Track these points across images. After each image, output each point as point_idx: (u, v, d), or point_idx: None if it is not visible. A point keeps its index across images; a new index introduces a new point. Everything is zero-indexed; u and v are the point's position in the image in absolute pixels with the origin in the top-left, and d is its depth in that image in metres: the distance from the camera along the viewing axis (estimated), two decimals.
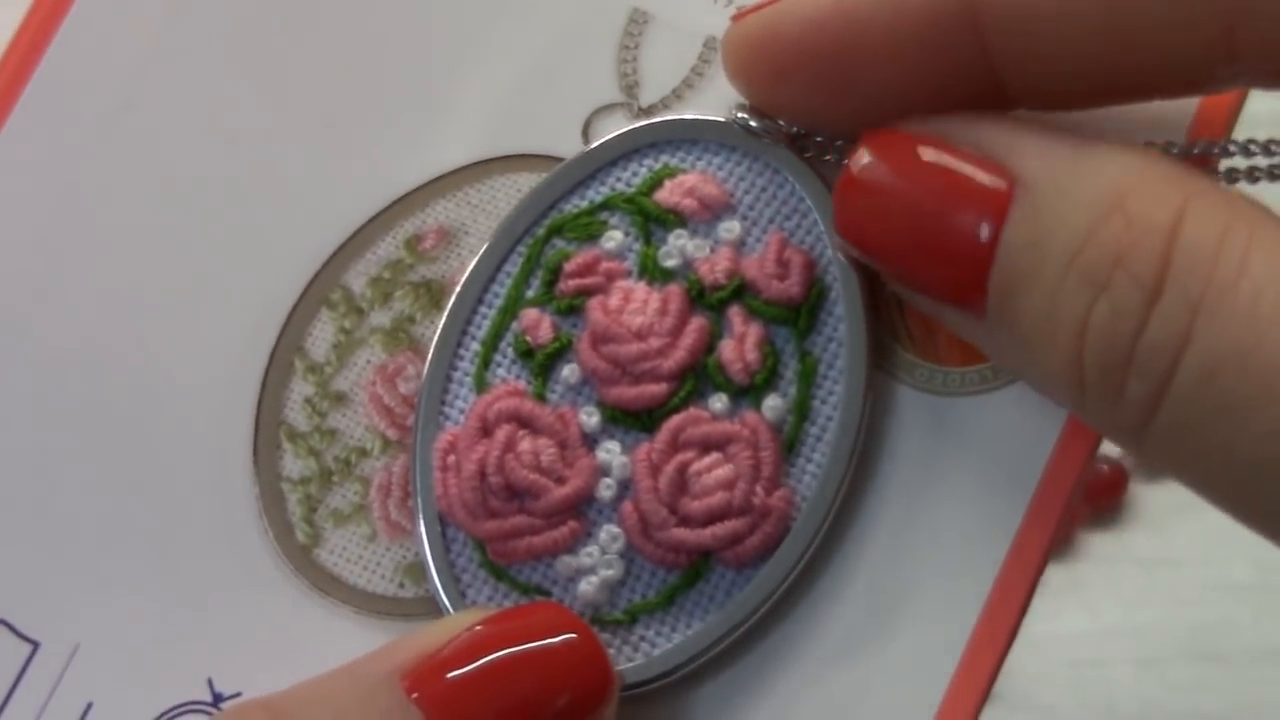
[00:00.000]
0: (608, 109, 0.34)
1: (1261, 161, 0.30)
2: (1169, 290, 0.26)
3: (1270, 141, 0.30)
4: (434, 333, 0.33)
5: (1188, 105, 0.32)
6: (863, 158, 0.30)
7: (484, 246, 0.33)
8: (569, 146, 0.34)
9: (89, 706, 0.33)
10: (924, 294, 0.30)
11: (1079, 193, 0.27)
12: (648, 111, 0.34)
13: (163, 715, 0.32)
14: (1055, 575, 0.58)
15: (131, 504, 0.33)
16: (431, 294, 0.34)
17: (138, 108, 0.35)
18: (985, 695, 0.30)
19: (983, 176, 0.28)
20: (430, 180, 0.35)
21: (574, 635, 0.30)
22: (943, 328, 0.32)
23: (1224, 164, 0.30)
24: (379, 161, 0.35)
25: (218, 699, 0.32)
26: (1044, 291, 0.27)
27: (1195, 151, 0.30)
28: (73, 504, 0.33)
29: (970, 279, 0.28)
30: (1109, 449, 0.59)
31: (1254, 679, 0.56)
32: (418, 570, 0.33)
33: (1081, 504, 0.59)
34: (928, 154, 0.29)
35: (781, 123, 0.32)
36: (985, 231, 0.28)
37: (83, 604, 0.33)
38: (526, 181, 0.34)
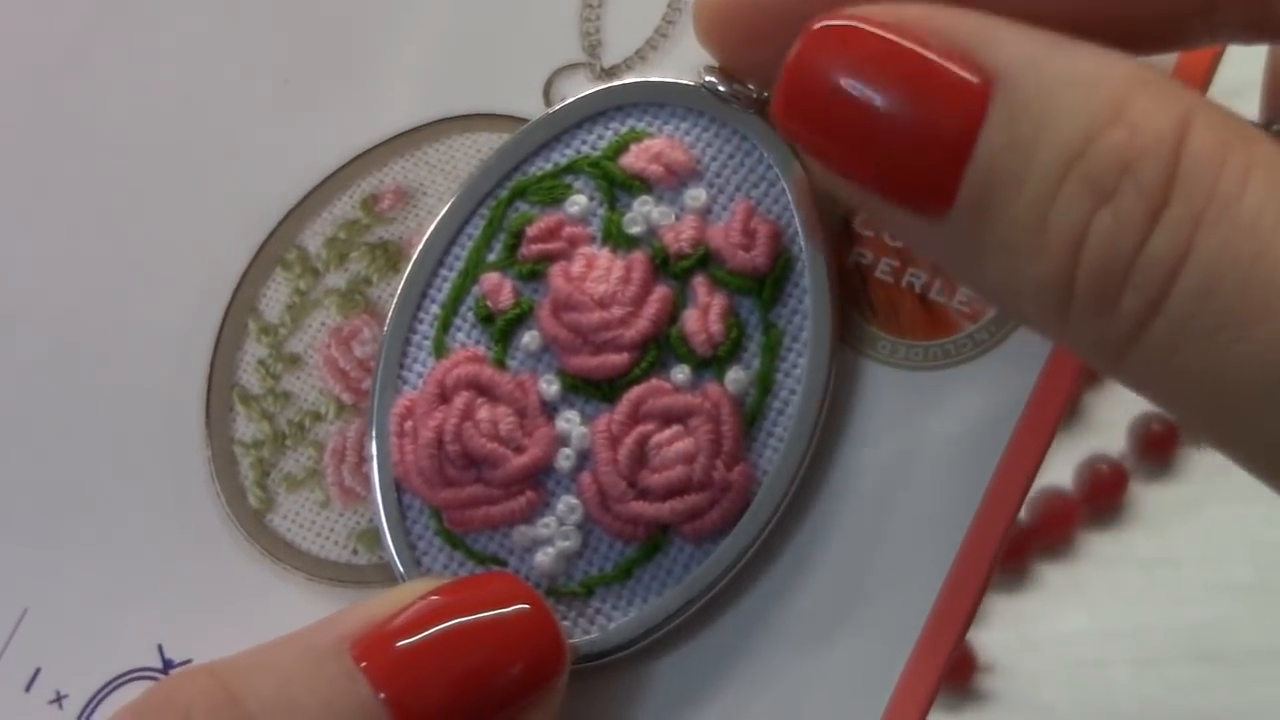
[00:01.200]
0: (569, 69, 0.34)
1: None
2: (1174, 202, 0.26)
3: None
4: (392, 295, 0.33)
5: (1164, 66, 0.32)
6: (814, 41, 0.28)
7: (445, 207, 0.33)
8: (530, 106, 0.34)
9: (37, 671, 0.33)
10: (872, 192, 0.28)
11: (1072, 96, 0.26)
12: (610, 72, 0.34)
13: (112, 681, 0.33)
14: (1055, 575, 0.59)
15: (80, 466, 0.33)
16: (388, 255, 0.34)
17: (84, 65, 0.35)
18: (944, 670, 0.31)
19: (956, 69, 0.27)
20: (387, 139, 0.35)
21: (526, 606, 0.30)
22: (906, 300, 0.32)
23: None
24: (335, 119, 0.35)
25: (168, 665, 0.33)
26: (1030, 199, 0.26)
27: None
28: (20, 465, 0.34)
29: (937, 182, 0.27)
30: (1108, 447, 0.60)
31: (1254, 679, 0.57)
32: (371, 537, 0.33)
33: (1081, 504, 0.60)
34: (892, 42, 0.27)
35: (751, 87, 0.32)
36: (957, 135, 0.27)
37: (31, 568, 0.33)
38: (486, 141, 0.34)
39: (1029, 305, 0.27)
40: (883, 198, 0.28)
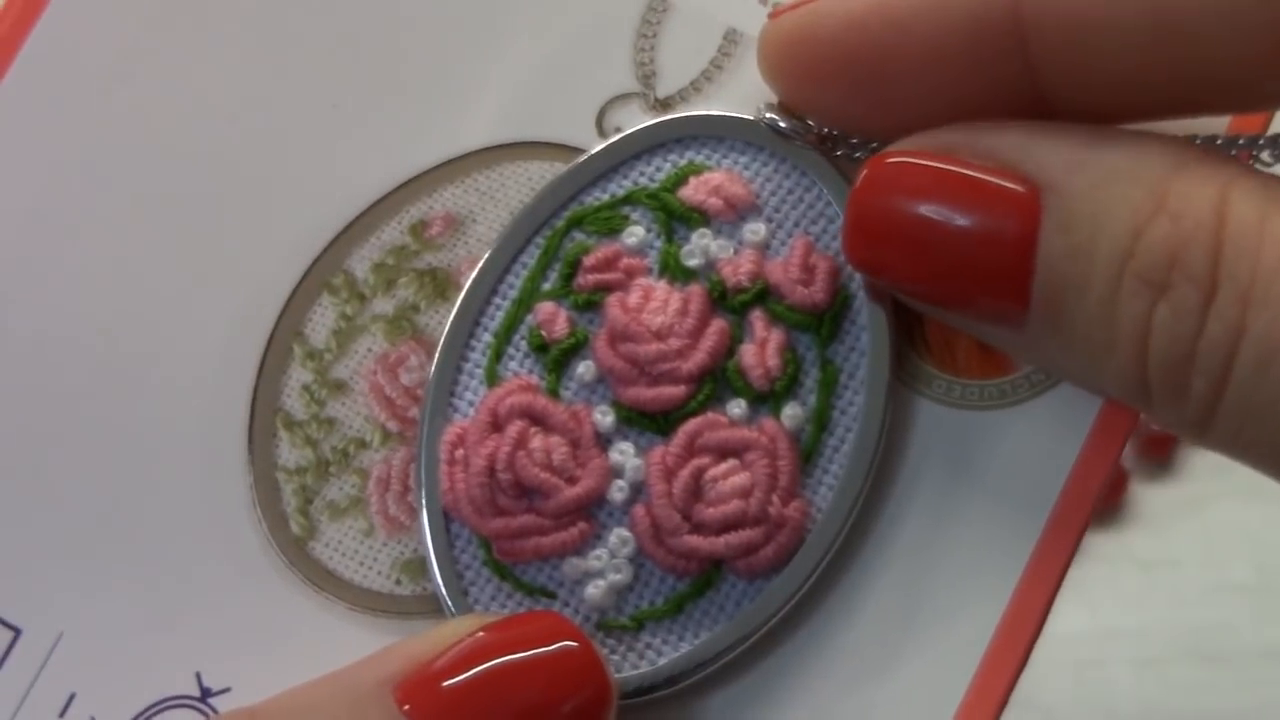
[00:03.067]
0: (623, 99, 0.36)
1: None
2: (1222, 285, 0.28)
3: None
4: (441, 322, 0.34)
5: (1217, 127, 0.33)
6: (871, 180, 0.31)
7: (500, 235, 0.34)
8: (582, 135, 0.35)
9: (71, 698, 0.34)
10: (954, 313, 0.31)
11: (1116, 193, 0.29)
12: (664, 103, 0.35)
13: (148, 709, 0.33)
14: None
15: (120, 490, 0.34)
16: (437, 283, 0.35)
17: (132, 80, 0.36)
18: (998, 713, 0.32)
19: (1006, 187, 0.29)
20: (438, 164, 0.36)
21: (574, 644, 0.31)
22: (962, 339, 0.33)
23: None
24: (386, 143, 0.36)
25: (205, 694, 0.33)
26: (1097, 299, 0.29)
27: (1233, 154, 0.32)
28: (59, 488, 0.34)
29: (1008, 295, 0.30)
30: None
31: (1254, 679, 0.59)
32: (415, 567, 0.34)
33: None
34: (943, 170, 0.30)
35: (811, 123, 0.33)
36: (1018, 246, 0.29)
37: (67, 591, 0.34)
38: (538, 170, 0.36)
39: (1114, 393, 0.30)
40: (964, 314, 0.31)
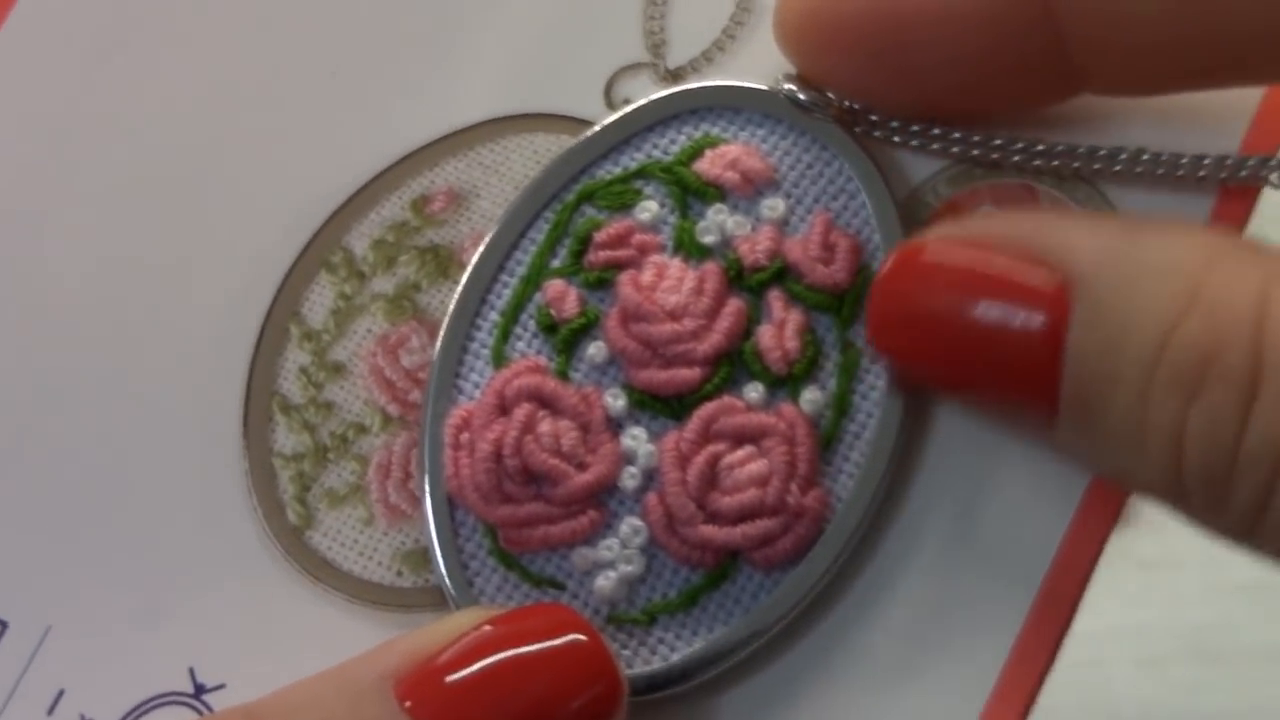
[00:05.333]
0: (632, 69, 0.36)
1: None
2: (1264, 387, 0.27)
3: None
4: (443, 301, 0.35)
5: (1248, 104, 0.34)
6: (896, 274, 0.31)
7: (507, 210, 0.35)
8: (590, 107, 0.36)
9: (60, 694, 0.34)
10: (984, 408, 0.32)
11: (1146, 288, 0.28)
12: (675, 74, 0.36)
13: (141, 705, 0.34)
14: None
15: (110, 477, 0.35)
16: (439, 260, 0.36)
17: (126, 51, 0.37)
18: (1025, 712, 0.32)
19: (1035, 280, 0.29)
20: (440, 138, 0.36)
21: (582, 638, 0.31)
22: None
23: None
24: (386, 115, 0.36)
25: (199, 689, 0.34)
26: (1127, 399, 0.28)
27: (1243, 174, 0.32)
28: (47, 475, 0.35)
29: (1037, 392, 0.30)
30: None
31: (1254, 679, 0.60)
32: (417, 558, 0.34)
33: None
34: (971, 263, 0.30)
35: (832, 95, 0.33)
36: (1047, 340, 0.29)
37: (56, 584, 0.34)
38: (544, 143, 0.36)
39: (1149, 493, 0.30)
40: (990, 405, 0.31)
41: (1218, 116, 0.33)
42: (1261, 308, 0.27)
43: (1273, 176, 0.32)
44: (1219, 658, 0.60)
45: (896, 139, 0.34)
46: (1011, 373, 0.30)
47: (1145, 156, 0.33)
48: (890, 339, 0.32)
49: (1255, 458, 0.27)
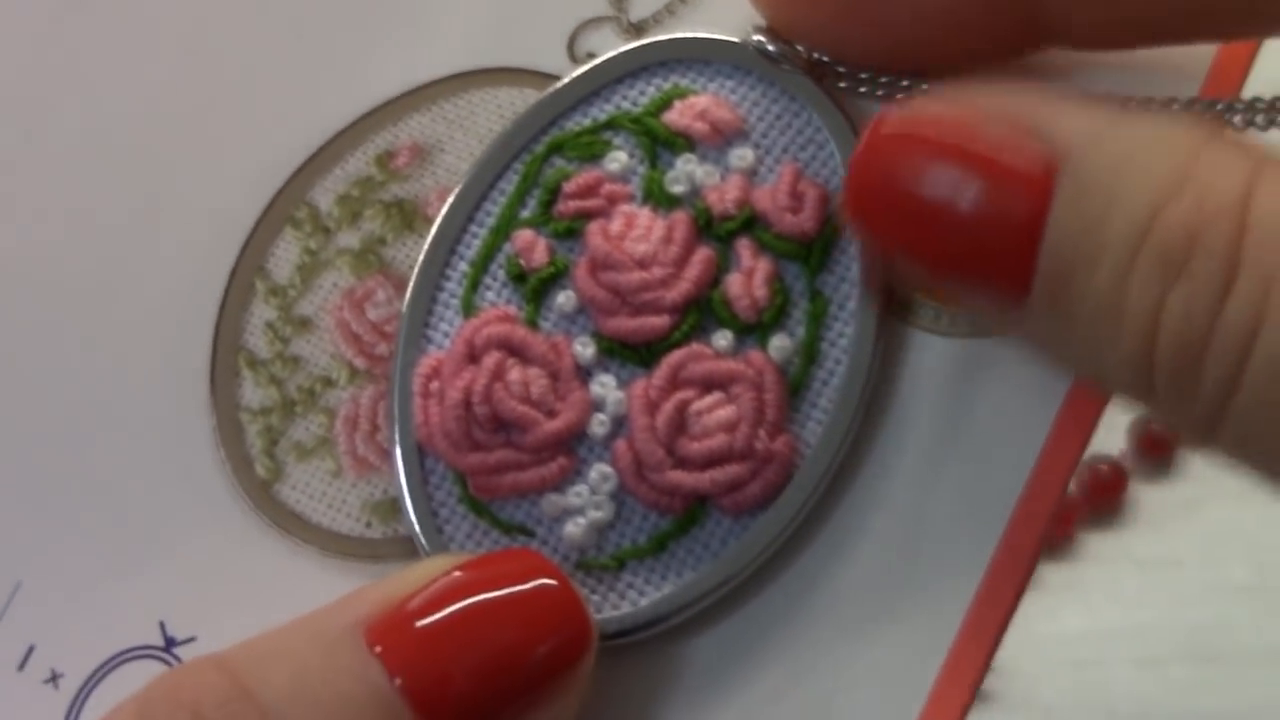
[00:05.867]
0: (595, 23, 0.37)
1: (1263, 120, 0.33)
2: (1244, 269, 0.27)
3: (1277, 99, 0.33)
4: (412, 255, 0.35)
5: (1203, 58, 0.35)
6: (878, 137, 0.31)
7: (476, 161, 0.35)
8: (553, 61, 0.36)
9: (30, 650, 0.34)
10: (949, 280, 0.31)
11: (1136, 168, 0.28)
12: (638, 27, 0.36)
13: (111, 659, 0.34)
14: (1055, 575, 0.63)
15: (77, 434, 0.35)
16: (404, 214, 0.36)
17: (86, 8, 0.37)
18: (992, 649, 0.33)
19: (1020, 153, 0.29)
20: (404, 93, 0.37)
21: (551, 582, 0.32)
22: None
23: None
24: (349, 71, 0.37)
25: (170, 643, 0.34)
26: (1106, 279, 0.28)
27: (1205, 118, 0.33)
28: (13, 433, 0.35)
29: (1011, 268, 0.29)
30: (1108, 447, 0.63)
31: (1254, 679, 0.61)
32: (386, 509, 0.35)
33: (1082, 504, 0.64)
34: (952, 131, 0.30)
35: (800, 49, 0.34)
36: (1027, 217, 0.29)
37: (24, 539, 0.35)
38: (508, 97, 0.36)
39: (1114, 384, 0.30)
40: (960, 285, 0.31)
41: (1177, 66, 0.34)
42: (1248, 191, 0.28)
43: (1235, 119, 0.33)
44: (1219, 658, 0.61)
45: (863, 90, 0.34)
46: (988, 253, 0.30)
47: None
48: (861, 212, 0.31)
49: (1229, 338, 0.27)
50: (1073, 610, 0.62)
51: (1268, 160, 0.28)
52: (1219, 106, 0.33)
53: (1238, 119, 0.32)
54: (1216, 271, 0.27)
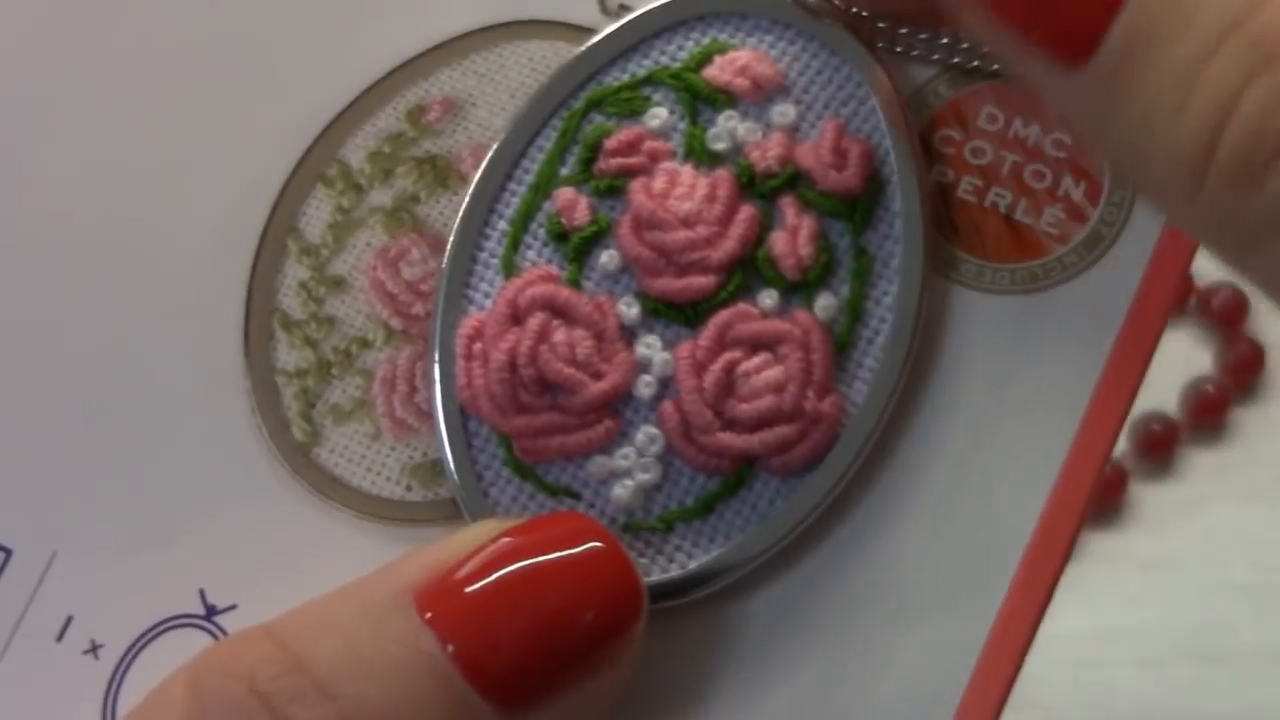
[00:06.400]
0: None
1: None
2: None
3: None
4: (446, 213, 0.35)
5: None
6: None
7: (513, 118, 0.35)
8: (583, 13, 0.36)
9: (69, 620, 0.34)
10: (1016, 33, 0.29)
11: None
12: None
13: (152, 629, 0.34)
14: None
15: (112, 399, 0.35)
16: (437, 171, 0.36)
17: None
18: (1041, 612, 0.33)
19: None
20: (433, 46, 0.36)
21: (600, 544, 0.32)
22: (991, 221, 0.34)
23: None
24: (378, 25, 0.36)
25: (210, 611, 0.34)
26: (1186, 55, 0.27)
27: None
28: (47, 399, 0.35)
29: (1085, 26, 0.28)
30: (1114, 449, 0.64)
31: (1254, 679, 0.62)
32: (425, 471, 0.35)
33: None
34: None
35: (839, 1, 0.34)
36: None
37: (60, 507, 0.35)
38: (539, 50, 0.36)
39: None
40: (1025, 40, 0.29)
41: None
42: None
43: None
44: (1219, 658, 0.62)
45: (900, 48, 0.34)
46: (1064, 6, 0.28)
47: None
48: None
49: None
50: (1073, 610, 0.63)
51: None
52: None
53: None
54: None
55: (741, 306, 0.33)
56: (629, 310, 0.34)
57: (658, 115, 0.34)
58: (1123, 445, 0.65)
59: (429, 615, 0.30)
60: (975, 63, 0.34)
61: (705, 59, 0.34)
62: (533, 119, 0.35)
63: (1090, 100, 0.29)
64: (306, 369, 0.35)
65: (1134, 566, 0.64)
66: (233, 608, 0.34)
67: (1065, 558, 0.33)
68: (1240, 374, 0.66)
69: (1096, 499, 0.34)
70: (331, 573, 0.32)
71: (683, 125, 0.34)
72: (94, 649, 0.34)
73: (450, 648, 0.30)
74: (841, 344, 0.34)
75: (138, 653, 0.34)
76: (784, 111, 0.34)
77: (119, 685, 0.34)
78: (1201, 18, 0.27)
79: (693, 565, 0.33)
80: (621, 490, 0.33)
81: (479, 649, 0.30)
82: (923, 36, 0.34)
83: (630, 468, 0.33)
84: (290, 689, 0.30)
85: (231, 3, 0.36)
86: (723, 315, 0.33)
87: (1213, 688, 0.62)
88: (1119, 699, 0.62)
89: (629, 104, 0.34)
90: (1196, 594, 0.63)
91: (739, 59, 0.34)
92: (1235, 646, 0.62)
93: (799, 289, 0.34)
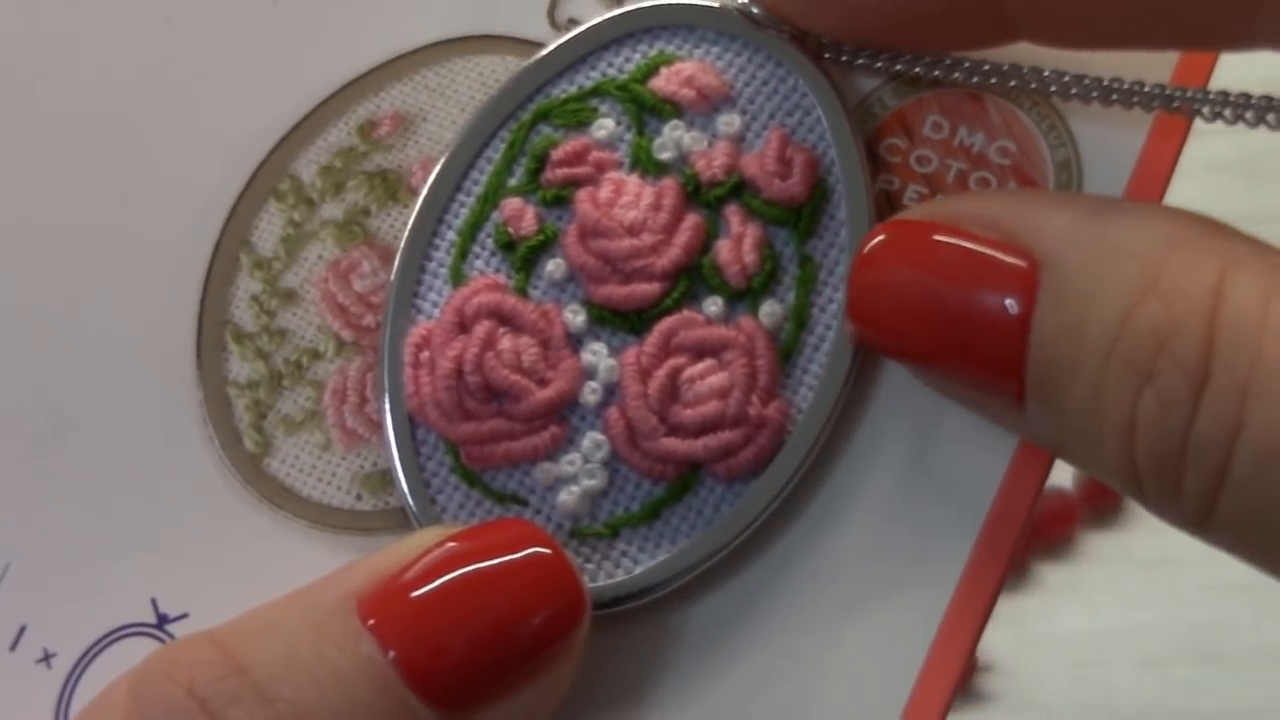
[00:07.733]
0: None
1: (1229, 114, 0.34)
2: (1215, 375, 0.28)
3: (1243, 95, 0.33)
4: (396, 225, 0.36)
5: (1166, 62, 0.36)
6: (874, 249, 0.32)
7: (462, 130, 0.36)
8: (533, 29, 0.37)
9: (22, 630, 0.35)
10: (955, 386, 0.33)
11: (1108, 272, 0.29)
12: None
13: (104, 638, 0.35)
14: (1055, 575, 0.65)
15: (65, 410, 0.36)
16: (387, 184, 0.37)
17: None
18: (988, 611, 0.34)
19: (1004, 260, 0.30)
20: (384, 62, 0.38)
21: (544, 550, 0.32)
22: None
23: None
24: (329, 41, 0.38)
25: (162, 620, 0.35)
26: (1085, 383, 0.29)
27: (1176, 105, 0.33)
28: (0, 412, 0.36)
29: (1002, 373, 0.31)
30: None
31: (1254, 679, 0.63)
32: (376, 481, 0.36)
33: (1081, 504, 0.65)
34: (944, 241, 0.31)
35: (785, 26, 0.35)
36: (1013, 322, 0.30)
37: (12, 519, 0.35)
38: (489, 65, 0.37)
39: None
40: (966, 387, 0.32)
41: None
42: (1218, 293, 0.28)
43: (1204, 110, 0.33)
44: (1219, 658, 0.63)
45: (845, 59, 0.35)
46: (981, 357, 0.31)
47: (1086, 80, 0.34)
48: (866, 315, 0.33)
49: (1204, 446, 0.28)
50: (1073, 610, 0.64)
51: (1245, 257, 0.29)
52: (1189, 95, 0.34)
53: (1206, 110, 0.33)
54: (1184, 376, 0.28)
55: (686, 313, 0.34)
56: (575, 318, 0.35)
57: (604, 126, 0.35)
58: None
59: (371, 621, 0.31)
60: (918, 70, 0.35)
61: (652, 70, 0.36)
62: (481, 131, 0.36)
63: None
64: (258, 380, 0.36)
65: (1134, 566, 0.65)
66: (184, 616, 0.35)
67: (1011, 559, 0.34)
68: None
69: (1040, 497, 0.34)
70: (283, 581, 0.33)
71: (629, 136, 0.35)
72: (47, 658, 0.35)
73: (392, 653, 0.31)
74: (787, 350, 0.34)
75: (90, 661, 0.35)
76: (729, 121, 0.35)
77: (72, 694, 0.35)
78: (1089, 339, 0.29)
79: (638, 570, 0.34)
80: (568, 496, 0.34)
81: (421, 654, 0.31)
82: (865, 53, 0.35)
83: (576, 474, 0.34)
84: (229, 692, 0.30)
85: (186, 20, 0.37)
86: (667, 322, 0.34)
87: (1212, 687, 0.63)
88: (1119, 699, 0.63)
89: (576, 115, 0.35)
90: (1196, 594, 0.64)
91: (685, 70, 0.35)
92: (1235, 646, 0.63)
93: (744, 296, 0.35)
